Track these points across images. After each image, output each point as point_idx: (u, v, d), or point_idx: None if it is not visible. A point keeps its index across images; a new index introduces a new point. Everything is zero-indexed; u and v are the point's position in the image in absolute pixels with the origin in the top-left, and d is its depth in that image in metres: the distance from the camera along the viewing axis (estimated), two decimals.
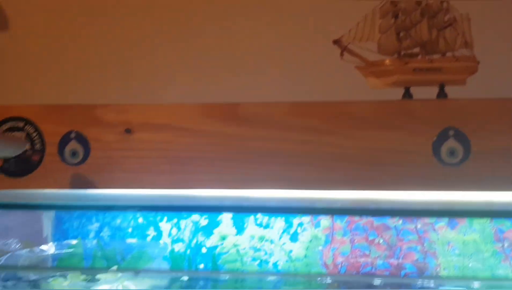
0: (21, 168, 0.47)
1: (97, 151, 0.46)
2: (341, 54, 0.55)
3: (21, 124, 0.48)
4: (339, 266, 0.67)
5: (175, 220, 0.70)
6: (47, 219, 0.71)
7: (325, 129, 0.44)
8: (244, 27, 0.57)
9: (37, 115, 0.48)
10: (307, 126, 0.44)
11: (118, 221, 0.71)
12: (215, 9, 0.57)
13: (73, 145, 0.47)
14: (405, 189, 0.43)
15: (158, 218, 0.70)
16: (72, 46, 0.58)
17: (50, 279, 0.59)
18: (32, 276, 0.61)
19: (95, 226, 0.71)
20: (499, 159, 0.42)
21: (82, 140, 0.46)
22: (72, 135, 0.47)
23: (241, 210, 0.60)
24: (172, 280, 0.67)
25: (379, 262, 0.66)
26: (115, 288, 0.49)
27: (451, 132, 0.42)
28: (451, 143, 0.42)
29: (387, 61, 0.54)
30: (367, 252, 0.66)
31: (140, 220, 0.71)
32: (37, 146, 0.47)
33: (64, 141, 0.47)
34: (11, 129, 0.48)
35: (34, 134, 0.47)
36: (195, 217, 0.70)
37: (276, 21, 0.56)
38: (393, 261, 0.66)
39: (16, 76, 0.59)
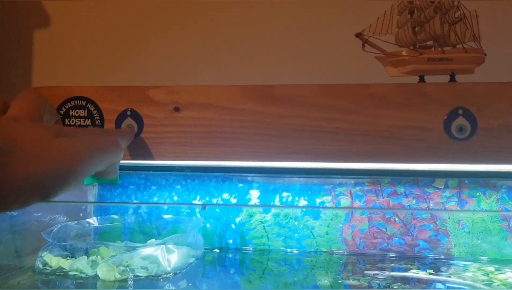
0: None
1: (149, 126, 0.53)
2: (363, 46, 0.62)
3: (83, 103, 0.55)
4: (358, 242, 0.73)
5: (207, 198, 0.77)
6: (91, 196, 0.78)
7: (349, 108, 0.50)
8: (281, 21, 0.64)
9: (97, 95, 0.55)
10: (333, 106, 0.51)
11: (155, 198, 0.78)
12: (253, 5, 0.64)
13: (128, 121, 0.53)
14: (419, 161, 0.50)
15: (192, 196, 0.77)
16: (125, 36, 0.66)
17: (96, 248, 0.66)
18: (80, 244, 0.68)
19: (134, 202, 0.78)
20: (503, 135, 0.48)
21: (137, 117, 0.53)
22: (128, 112, 0.53)
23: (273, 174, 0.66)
24: (205, 251, 0.73)
25: (395, 239, 0.72)
26: (160, 248, 0.56)
27: (460, 111, 0.48)
28: (460, 120, 0.48)
29: (404, 52, 0.60)
30: (383, 230, 0.72)
31: (175, 198, 0.77)
32: (97, 122, 0.54)
33: (121, 117, 0.53)
34: (75, 107, 0.55)
35: (95, 112, 0.54)
36: (225, 195, 0.76)
37: (307, 15, 0.63)
38: (408, 238, 0.71)
39: (78, 61, 0.66)
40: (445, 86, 0.50)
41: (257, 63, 0.63)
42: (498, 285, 0.55)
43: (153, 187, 0.78)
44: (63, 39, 0.76)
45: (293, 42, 0.63)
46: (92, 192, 0.78)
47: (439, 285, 0.55)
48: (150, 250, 0.56)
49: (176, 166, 0.64)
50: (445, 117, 0.48)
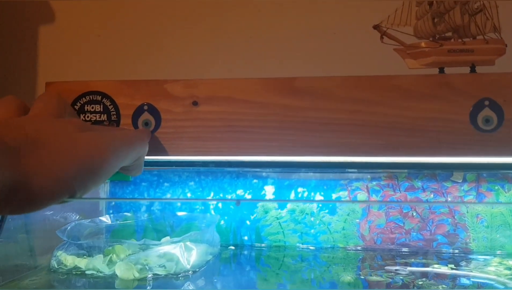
0: None
1: (167, 121, 0.52)
2: (381, 38, 0.61)
3: (98, 97, 0.54)
4: (375, 237, 0.72)
5: (221, 195, 0.76)
6: (103, 193, 0.77)
7: (373, 100, 0.49)
8: (302, 14, 0.63)
9: (113, 89, 0.54)
10: (356, 98, 0.50)
11: (168, 195, 0.77)
12: None
13: (145, 116, 0.52)
14: (446, 154, 0.49)
15: (206, 193, 0.76)
16: (132, 30, 0.65)
17: (111, 247, 0.65)
18: (94, 243, 0.67)
19: (146, 200, 0.77)
20: None
21: (154, 111, 0.52)
22: (145, 107, 0.52)
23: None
24: (222, 248, 0.72)
25: (413, 234, 0.71)
26: (179, 246, 0.55)
27: (486, 102, 0.47)
28: (486, 112, 0.47)
29: (423, 44, 0.59)
30: (401, 224, 0.71)
31: (189, 195, 0.76)
32: (113, 117, 0.53)
33: (138, 112, 0.52)
34: (90, 102, 0.54)
35: (111, 107, 0.53)
36: (240, 192, 0.75)
37: (324, 6, 0.62)
38: (426, 233, 0.70)
39: (94, 55, 0.65)
40: (470, 77, 0.49)
41: (278, 55, 0.62)
42: None
43: (166, 184, 0.77)
44: (69, 35, 0.74)
45: (314, 35, 0.62)
46: (104, 190, 0.77)
47: (464, 280, 0.54)
48: (168, 248, 0.55)
49: (187, 161, 0.63)
50: (471, 108, 0.47)
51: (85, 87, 0.54)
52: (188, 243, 0.57)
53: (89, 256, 0.59)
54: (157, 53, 0.67)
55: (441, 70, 0.59)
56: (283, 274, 0.64)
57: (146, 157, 0.52)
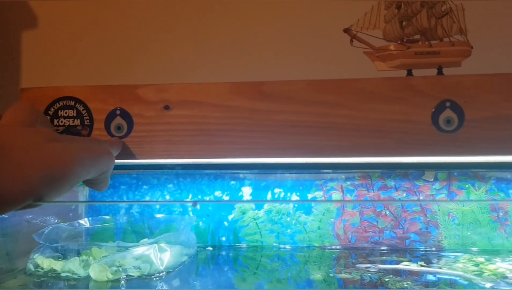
0: None
1: (139, 125, 0.53)
2: (351, 41, 0.62)
3: (72, 103, 0.54)
4: (350, 236, 0.73)
5: (199, 197, 0.77)
6: (82, 196, 0.78)
7: (338, 102, 0.51)
8: (267, 17, 0.64)
9: (86, 94, 0.55)
10: (323, 101, 0.51)
11: (147, 198, 0.78)
12: (244, 2, 0.65)
13: (118, 120, 0.53)
14: (409, 154, 0.50)
15: (184, 195, 0.77)
16: (115, 35, 0.66)
17: (88, 249, 0.66)
18: (71, 246, 0.67)
19: (124, 201, 0.78)
20: (490, 127, 0.49)
21: (126, 116, 0.53)
22: (117, 112, 0.53)
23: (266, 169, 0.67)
24: (199, 249, 0.73)
25: (386, 232, 0.72)
26: (152, 247, 0.56)
27: (447, 104, 0.49)
28: (447, 113, 0.49)
29: (392, 46, 0.61)
30: (374, 223, 0.73)
31: (168, 197, 0.77)
32: (86, 121, 0.54)
33: (110, 117, 0.53)
34: (63, 107, 0.55)
35: (84, 112, 0.54)
36: (218, 193, 0.76)
37: (295, 11, 0.64)
38: (399, 231, 0.72)
39: (67, 61, 0.66)
40: (432, 79, 0.50)
41: (247, 60, 0.63)
42: (488, 275, 0.56)
43: (145, 187, 0.78)
44: (52, 40, 0.75)
45: (282, 39, 0.63)
46: (83, 193, 0.78)
47: (430, 277, 0.55)
48: (142, 249, 0.56)
49: (167, 165, 0.64)
50: (433, 109, 0.49)
51: (59, 93, 0.55)
52: (162, 244, 0.58)
53: (64, 258, 0.60)
54: (140, 57, 0.68)
55: (409, 72, 0.60)
56: (261, 273, 0.65)
57: (123, 161, 0.53)
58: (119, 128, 0.53)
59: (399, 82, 0.50)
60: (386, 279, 0.53)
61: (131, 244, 0.61)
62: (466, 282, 0.53)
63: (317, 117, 0.51)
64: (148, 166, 0.67)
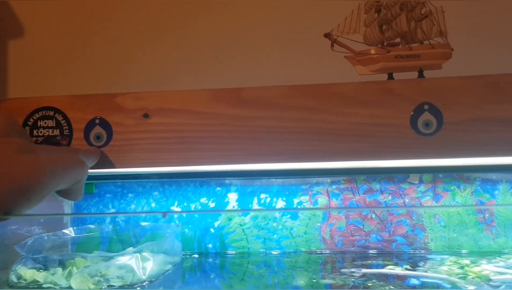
0: None
1: (118, 134, 0.53)
2: (331, 46, 0.62)
3: (51, 113, 0.54)
4: (336, 240, 0.73)
5: (185, 204, 0.76)
6: (67, 206, 0.77)
7: (318, 107, 0.50)
8: (247, 23, 0.64)
9: (65, 104, 0.54)
10: (302, 106, 0.51)
11: (133, 206, 0.77)
12: (223, 8, 0.65)
13: (97, 129, 0.53)
14: (388, 158, 0.50)
15: (170, 202, 0.77)
16: (93, 44, 0.65)
17: (72, 259, 0.65)
18: (54, 256, 0.67)
19: (111, 211, 0.77)
20: (469, 129, 0.49)
21: (106, 125, 0.53)
22: (97, 121, 0.53)
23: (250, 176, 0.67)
24: (184, 258, 0.73)
25: (372, 235, 0.72)
26: (134, 257, 0.55)
27: (425, 106, 0.49)
28: (426, 116, 0.49)
29: (372, 51, 0.61)
30: (361, 227, 0.73)
31: (153, 205, 0.77)
32: (66, 131, 0.54)
33: (90, 126, 0.53)
34: (43, 118, 0.54)
35: (63, 122, 0.54)
36: (203, 200, 0.76)
37: (276, 17, 0.64)
38: (385, 234, 0.72)
39: (45, 71, 0.66)
40: (410, 82, 0.50)
41: (227, 67, 0.63)
42: (472, 278, 0.56)
43: (130, 195, 0.78)
44: (38, 49, 0.75)
45: (263, 44, 0.63)
46: (68, 203, 0.77)
47: (414, 281, 0.55)
48: (125, 259, 0.56)
49: (153, 173, 0.64)
50: (412, 113, 0.49)
51: (38, 103, 0.55)
52: (144, 253, 0.57)
53: (46, 269, 0.59)
54: (121, 66, 0.68)
55: (390, 76, 0.61)
56: (248, 280, 0.64)
57: (105, 170, 0.53)
58: (98, 137, 0.53)
59: (378, 86, 0.50)
60: (369, 284, 0.53)
61: (113, 254, 0.60)
62: (449, 286, 0.53)
63: (297, 123, 0.51)
64: (133, 175, 0.66)
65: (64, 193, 0.40)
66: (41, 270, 0.59)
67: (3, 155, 0.34)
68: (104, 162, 0.53)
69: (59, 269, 0.59)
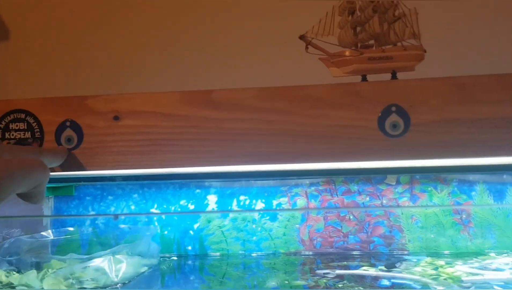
0: None
1: (89, 137, 0.53)
2: (306, 48, 0.62)
3: (22, 116, 0.54)
4: (315, 241, 0.73)
5: (164, 206, 0.76)
6: (46, 208, 0.77)
7: (288, 110, 0.51)
8: (218, 24, 0.64)
9: (36, 107, 0.54)
10: (272, 108, 0.51)
11: (112, 209, 0.77)
12: (195, 10, 0.65)
13: (68, 132, 0.53)
14: (357, 159, 0.50)
15: (149, 205, 0.77)
16: (66, 47, 0.66)
17: (48, 262, 0.65)
18: (34, 259, 0.67)
19: (90, 214, 0.78)
20: (436, 130, 0.49)
21: (76, 127, 0.53)
22: (67, 123, 0.53)
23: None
24: (163, 260, 0.73)
25: (350, 237, 0.72)
26: (107, 259, 0.55)
27: (393, 108, 0.49)
28: (393, 118, 0.49)
29: (346, 52, 0.61)
30: (339, 228, 0.73)
31: (133, 207, 0.77)
32: (37, 134, 0.54)
33: (60, 129, 0.53)
34: (14, 120, 0.54)
35: (34, 124, 0.54)
36: (183, 202, 0.76)
37: (251, 18, 0.64)
38: (363, 235, 0.72)
39: (16, 74, 0.66)
40: (378, 84, 0.50)
41: (196, 69, 0.63)
42: (444, 279, 0.56)
43: (110, 197, 0.78)
44: (8, 51, 0.74)
45: (234, 46, 0.64)
46: (48, 205, 0.77)
47: (385, 281, 0.55)
48: (98, 261, 0.56)
49: (129, 175, 0.64)
50: (379, 114, 0.49)
51: (9, 106, 0.55)
52: (118, 255, 0.57)
53: (18, 272, 0.59)
54: (90, 68, 0.68)
55: (364, 78, 0.61)
56: (227, 282, 0.64)
57: (76, 173, 0.53)
58: (69, 139, 0.53)
59: (346, 88, 0.50)
60: (340, 285, 0.53)
61: (87, 256, 0.60)
62: (419, 287, 0.53)
63: (266, 124, 0.51)
64: (107, 177, 0.66)
65: (25, 196, 0.40)
66: (14, 273, 0.59)
67: None
68: (75, 164, 0.53)
69: (34, 271, 0.59)
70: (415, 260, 0.66)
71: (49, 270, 0.61)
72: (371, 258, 0.69)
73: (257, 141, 0.51)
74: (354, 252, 0.72)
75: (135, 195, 0.77)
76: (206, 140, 0.52)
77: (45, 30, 0.69)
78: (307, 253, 0.73)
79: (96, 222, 0.77)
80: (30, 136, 0.54)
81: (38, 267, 0.65)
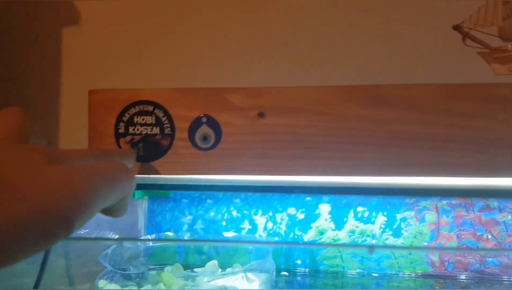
0: (151, 153, 0.47)
1: (228, 135, 0.45)
2: (463, 40, 0.53)
3: (150, 108, 0.47)
4: (446, 263, 0.64)
5: (270, 213, 0.69)
6: (141, 211, 0.71)
7: (473, 112, 0.42)
8: (351, 15, 0.56)
9: (167, 99, 0.47)
10: (454, 110, 0.43)
11: (211, 213, 0.70)
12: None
13: (204, 129, 0.46)
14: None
15: (253, 211, 0.69)
16: (199, 30, 0.58)
17: (154, 272, 0.58)
18: (137, 270, 0.61)
19: (188, 219, 0.71)
20: None
21: (214, 124, 0.45)
22: (203, 119, 0.46)
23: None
24: (277, 275, 0.65)
25: (489, 259, 0.63)
26: (239, 276, 0.48)
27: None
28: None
29: (509, 46, 0.52)
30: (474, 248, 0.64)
31: (234, 213, 0.70)
32: (167, 130, 0.47)
33: (195, 125, 0.46)
34: (140, 113, 0.47)
35: (164, 118, 0.47)
36: (291, 210, 0.68)
37: (404, 6, 0.56)
38: (503, 259, 0.63)
39: (144, 59, 0.58)
40: None
41: (358, 59, 0.55)
42: None
43: (209, 201, 0.71)
44: (93, 37, 0.68)
45: (394, 36, 0.55)
46: (142, 207, 0.71)
47: None
48: (226, 280, 0.49)
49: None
50: None
51: (135, 96, 0.48)
52: (249, 274, 0.50)
53: (138, 285, 0.53)
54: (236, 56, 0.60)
55: None
56: None
57: (204, 177, 0.46)
58: (205, 138, 0.45)
59: None
60: None
61: (201, 269, 0.53)
62: None
63: (445, 129, 0.42)
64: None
65: (108, 211, 0.30)
66: (126, 287, 0.53)
67: (29, 168, 0.24)
68: (211, 167, 0.45)
69: (148, 286, 0.52)
70: None
71: (162, 284, 0.54)
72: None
73: (433, 148, 0.43)
74: (492, 277, 0.63)
75: (237, 200, 0.70)
76: (368, 145, 0.44)
77: (172, 13, 0.62)
78: (436, 276, 0.64)
79: (194, 227, 0.70)
80: (159, 132, 0.47)
81: (142, 278, 0.58)
